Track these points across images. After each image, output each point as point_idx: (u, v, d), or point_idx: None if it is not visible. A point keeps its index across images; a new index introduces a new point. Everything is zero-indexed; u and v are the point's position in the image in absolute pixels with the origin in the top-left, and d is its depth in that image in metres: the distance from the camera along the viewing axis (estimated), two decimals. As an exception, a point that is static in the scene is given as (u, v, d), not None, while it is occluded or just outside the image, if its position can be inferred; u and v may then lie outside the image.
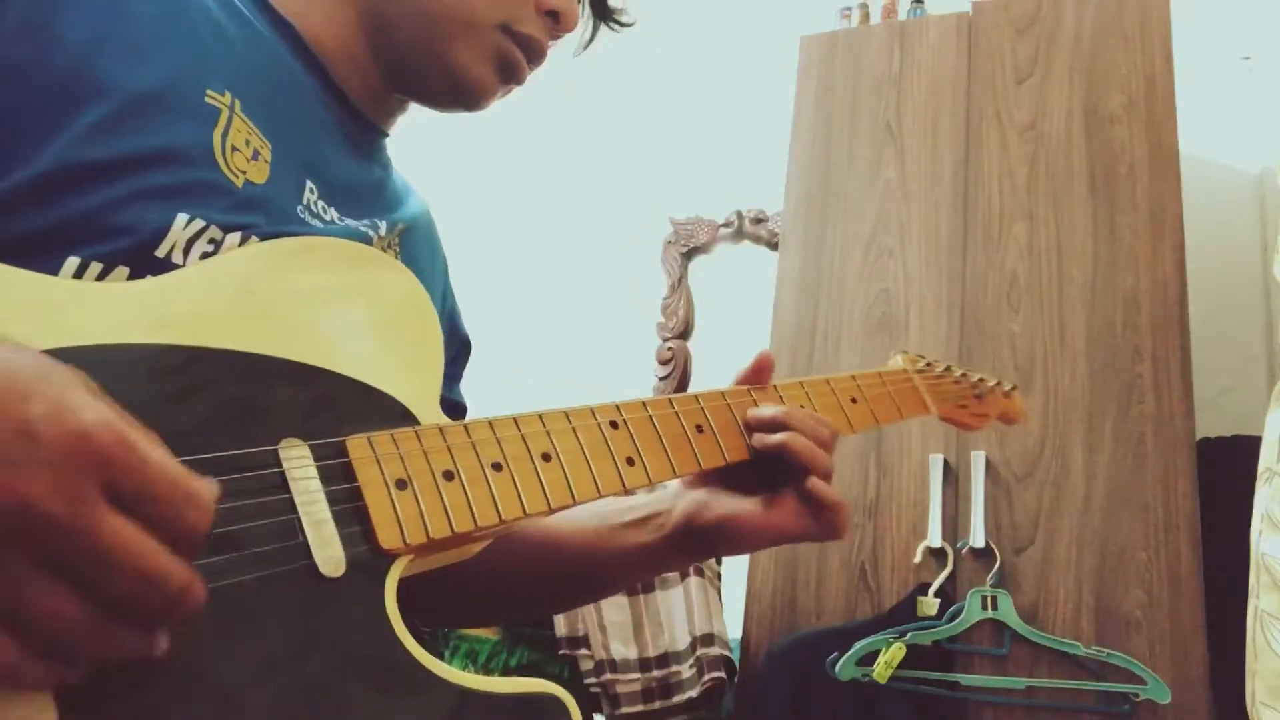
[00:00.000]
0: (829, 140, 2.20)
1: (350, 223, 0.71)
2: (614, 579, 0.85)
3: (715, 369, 2.68)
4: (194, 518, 0.39)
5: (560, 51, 0.82)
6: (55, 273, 0.53)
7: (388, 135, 0.82)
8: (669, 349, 2.76)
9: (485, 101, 0.78)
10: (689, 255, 2.87)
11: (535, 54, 0.78)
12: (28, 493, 0.34)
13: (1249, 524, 1.17)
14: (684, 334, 2.79)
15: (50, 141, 0.53)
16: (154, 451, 0.38)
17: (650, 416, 0.68)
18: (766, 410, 0.74)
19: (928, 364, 0.93)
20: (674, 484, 0.78)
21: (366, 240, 0.72)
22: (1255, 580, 1.12)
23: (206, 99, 0.61)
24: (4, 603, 0.35)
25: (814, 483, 0.72)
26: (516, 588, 0.82)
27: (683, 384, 2.72)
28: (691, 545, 0.76)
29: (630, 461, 0.64)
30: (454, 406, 0.85)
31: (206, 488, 0.39)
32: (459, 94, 0.77)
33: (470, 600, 0.82)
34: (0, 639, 0.35)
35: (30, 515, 0.34)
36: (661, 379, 2.74)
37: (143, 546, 0.37)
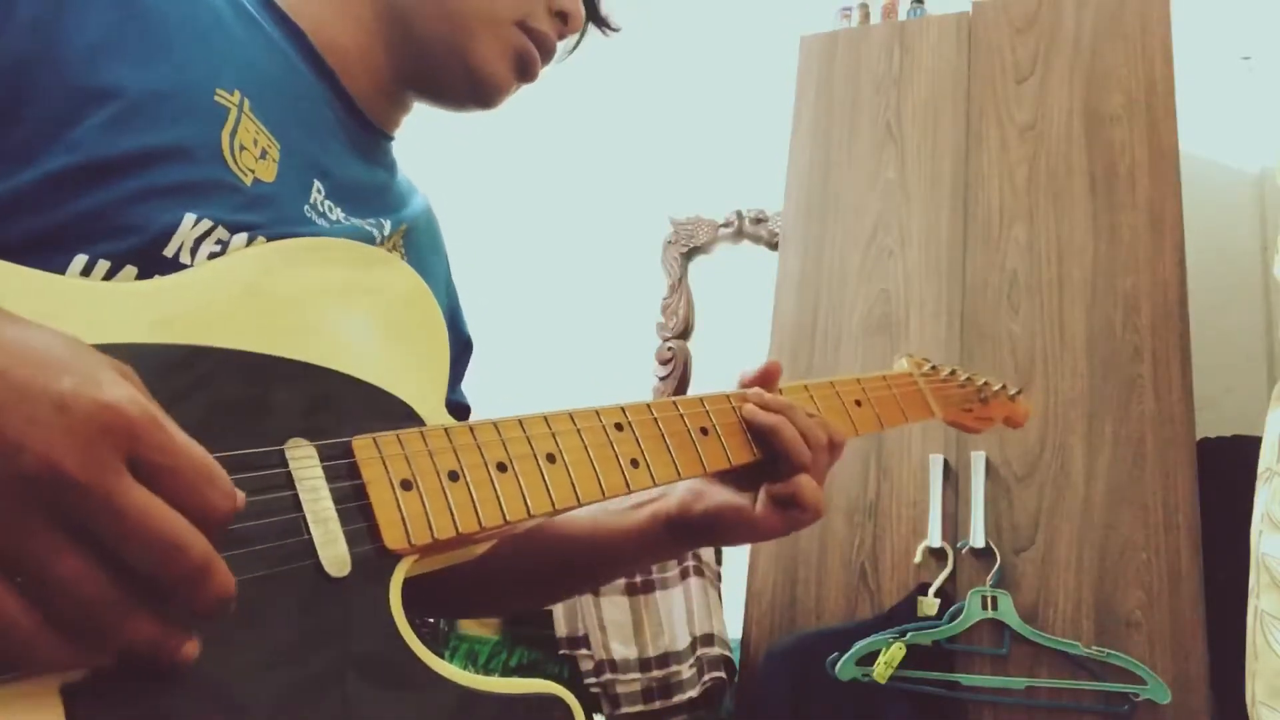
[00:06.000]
0: (829, 140, 2.20)
1: (356, 222, 0.72)
2: (608, 565, 0.86)
3: (715, 369, 2.69)
4: (215, 498, 0.40)
5: (555, 58, 0.84)
6: (63, 270, 0.53)
7: (392, 139, 0.82)
8: (669, 349, 2.76)
9: (500, 98, 0.79)
10: (689, 255, 2.87)
11: (547, 51, 0.79)
12: (54, 457, 0.35)
13: (1249, 524, 1.17)
14: (684, 334, 2.79)
15: (60, 140, 0.54)
16: (178, 432, 0.39)
17: (655, 419, 0.68)
18: (771, 399, 0.75)
19: (933, 367, 0.93)
20: None
21: (371, 240, 0.72)
22: (1255, 580, 1.13)
23: (215, 98, 0.61)
24: (26, 564, 0.36)
25: (794, 477, 0.72)
26: (514, 576, 0.82)
27: (683, 384, 2.72)
28: (683, 534, 0.77)
29: (635, 463, 0.65)
30: (457, 407, 0.85)
31: (225, 474, 0.41)
32: (476, 91, 0.77)
33: (467, 592, 0.82)
34: (20, 603, 0.36)
35: (55, 479, 0.35)
36: (661, 379, 2.74)
37: (162, 514, 0.37)
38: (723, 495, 0.75)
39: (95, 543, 0.37)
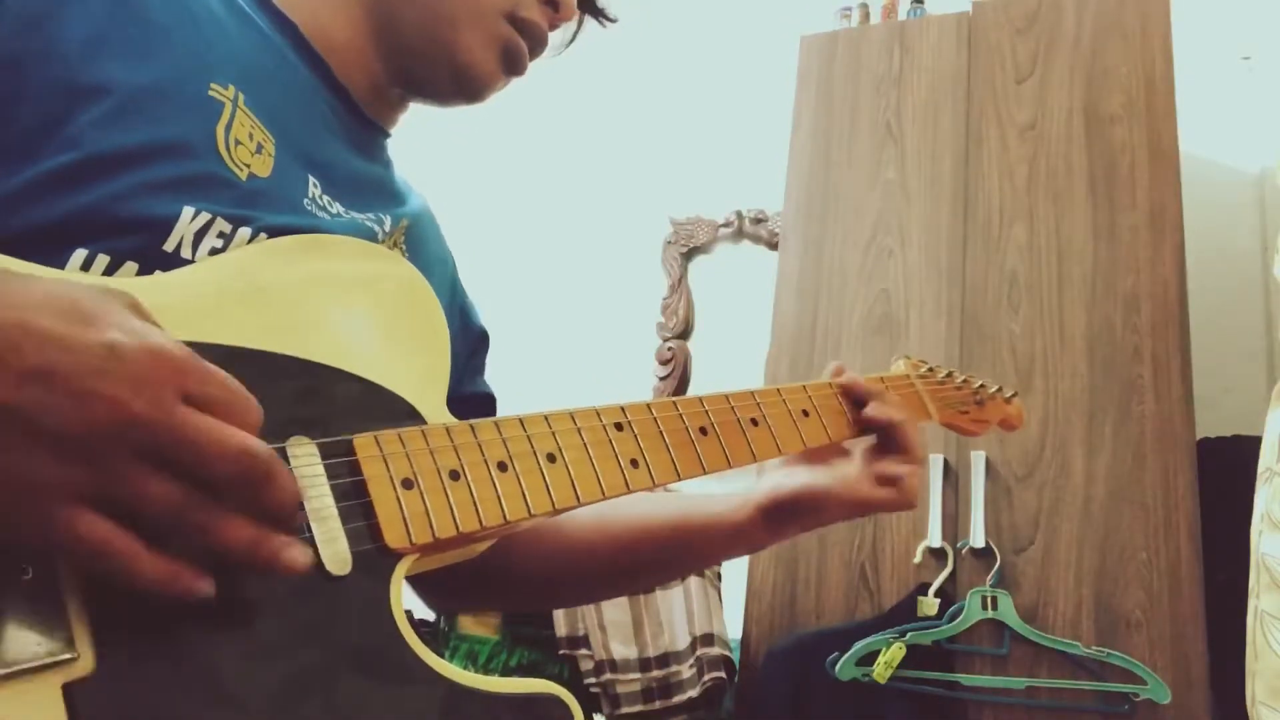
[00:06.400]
0: (829, 140, 2.20)
1: (355, 216, 0.71)
2: (693, 556, 0.89)
3: (715, 369, 2.68)
4: (254, 419, 0.45)
5: (551, 51, 0.82)
6: (62, 266, 0.52)
7: (389, 135, 0.82)
8: (669, 349, 2.76)
9: (487, 92, 0.78)
10: (689, 255, 2.87)
11: (537, 41, 0.78)
12: (121, 400, 0.39)
13: (1249, 524, 1.17)
14: (684, 334, 2.79)
15: (55, 137, 0.54)
16: (215, 367, 0.44)
17: (655, 418, 0.68)
18: (875, 388, 0.82)
19: (930, 369, 0.93)
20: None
21: (372, 236, 0.72)
22: (1255, 580, 1.13)
23: (210, 92, 0.61)
24: (120, 497, 0.40)
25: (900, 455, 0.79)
26: (607, 567, 0.85)
27: (683, 384, 2.72)
28: (776, 518, 0.79)
29: (634, 463, 0.65)
30: (484, 399, 0.86)
31: (255, 399, 0.45)
32: (462, 83, 0.76)
33: (549, 580, 0.86)
34: (125, 534, 0.40)
35: (127, 419, 0.39)
36: (661, 379, 2.74)
37: (224, 429, 0.42)
38: (809, 474, 0.79)
39: (172, 463, 0.41)
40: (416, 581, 0.84)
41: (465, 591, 0.88)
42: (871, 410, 0.80)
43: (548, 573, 0.83)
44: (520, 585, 0.85)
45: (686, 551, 0.84)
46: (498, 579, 0.80)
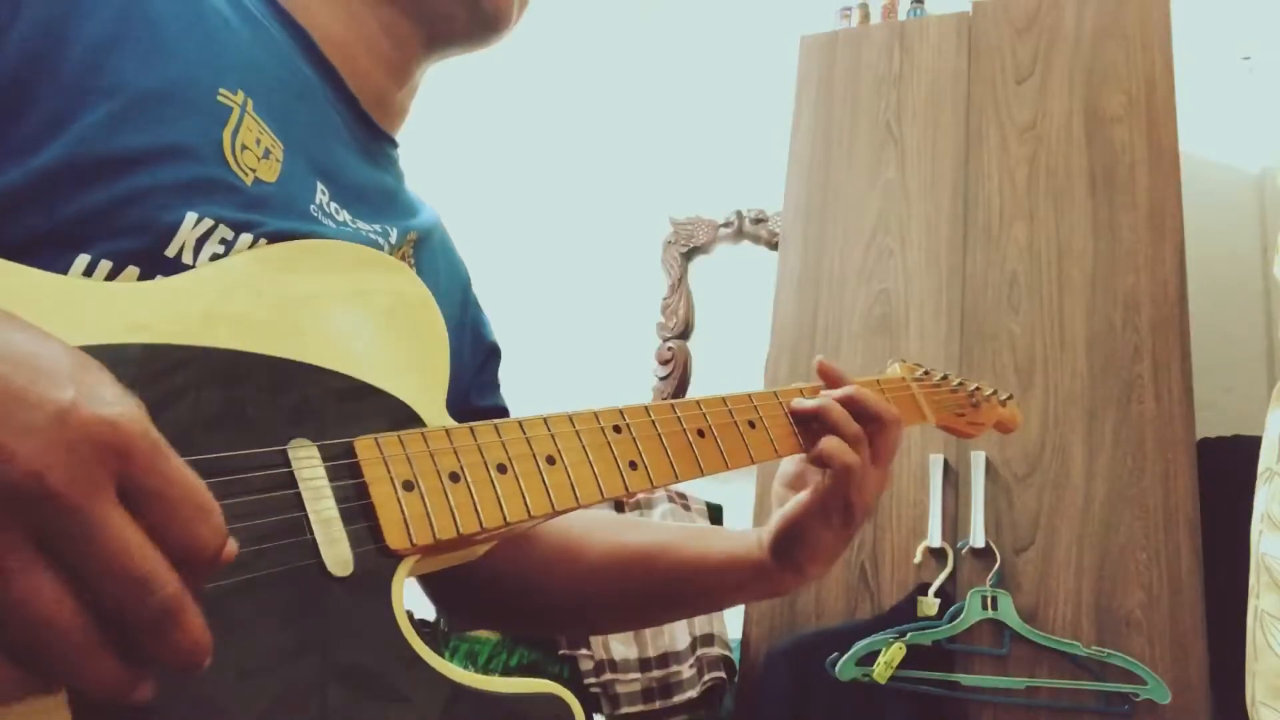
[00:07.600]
0: (829, 140, 2.20)
1: (362, 226, 0.71)
2: (710, 594, 0.85)
3: (715, 369, 2.69)
4: (204, 533, 0.37)
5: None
6: (65, 271, 0.52)
7: (397, 145, 0.82)
8: (669, 349, 2.77)
9: (505, 16, 0.78)
10: (689, 255, 2.88)
11: None
12: (40, 467, 0.33)
13: (1249, 524, 1.17)
14: (684, 334, 2.79)
15: (58, 136, 0.53)
16: (176, 458, 0.37)
17: (653, 421, 0.68)
18: (812, 391, 0.78)
19: (925, 372, 0.93)
20: None
21: (377, 247, 0.72)
22: (1255, 580, 1.13)
23: (218, 97, 0.61)
24: None
25: (825, 444, 0.74)
26: (618, 601, 0.85)
27: (683, 384, 2.72)
28: (782, 549, 0.79)
29: (633, 465, 0.65)
30: (498, 413, 0.86)
31: (219, 511, 0.38)
32: (483, 14, 0.76)
33: (561, 611, 0.85)
34: None
35: (37, 490, 0.33)
36: (661, 379, 2.74)
37: (135, 545, 0.35)
38: (793, 498, 0.77)
39: (67, 562, 0.34)
40: (439, 600, 0.85)
41: (485, 614, 0.89)
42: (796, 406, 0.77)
43: (570, 598, 0.83)
44: (544, 611, 0.85)
45: (704, 587, 0.83)
46: (517, 603, 0.80)
